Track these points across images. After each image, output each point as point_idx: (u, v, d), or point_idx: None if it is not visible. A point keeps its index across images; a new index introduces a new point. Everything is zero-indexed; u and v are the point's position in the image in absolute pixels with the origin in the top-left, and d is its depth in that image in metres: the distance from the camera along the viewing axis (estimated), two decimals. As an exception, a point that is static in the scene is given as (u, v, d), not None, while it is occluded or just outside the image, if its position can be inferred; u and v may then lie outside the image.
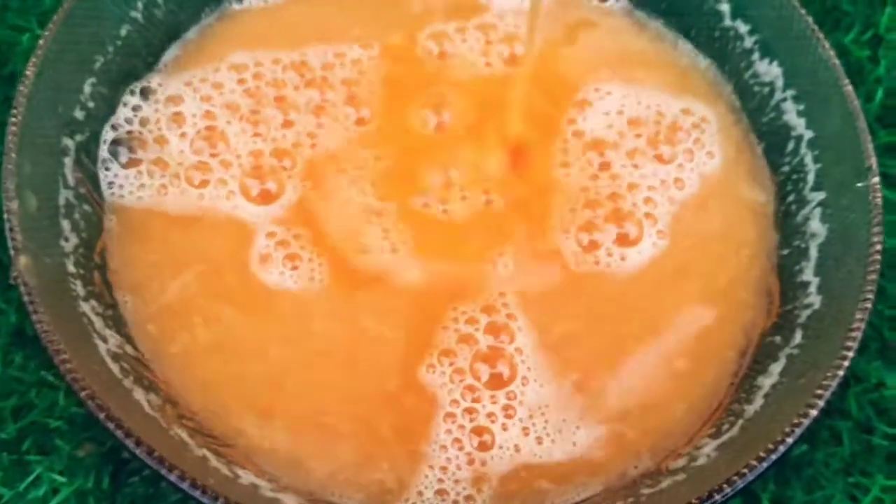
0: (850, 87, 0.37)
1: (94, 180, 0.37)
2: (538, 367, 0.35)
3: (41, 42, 0.35)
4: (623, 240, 0.38)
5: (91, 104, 0.38)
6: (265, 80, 0.41)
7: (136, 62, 0.40)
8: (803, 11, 0.39)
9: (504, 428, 0.34)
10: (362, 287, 0.36)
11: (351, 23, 0.43)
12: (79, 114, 0.37)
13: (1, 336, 0.38)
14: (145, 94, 0.40)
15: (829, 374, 0.31)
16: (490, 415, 0.34)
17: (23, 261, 0.30)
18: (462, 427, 0.34)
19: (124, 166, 0.38)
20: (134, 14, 0.39)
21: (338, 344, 0.35)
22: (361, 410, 0.34)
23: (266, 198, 0.38)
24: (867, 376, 0.39)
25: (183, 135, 0.39)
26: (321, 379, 0.35)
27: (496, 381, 0.35)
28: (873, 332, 0.40)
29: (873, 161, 0.36)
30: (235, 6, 0.43)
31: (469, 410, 0.35)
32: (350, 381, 0.35)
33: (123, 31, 0.39)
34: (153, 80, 0.40)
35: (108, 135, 0.38)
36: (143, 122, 0.39)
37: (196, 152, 0.39)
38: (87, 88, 0.37)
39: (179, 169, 0.38)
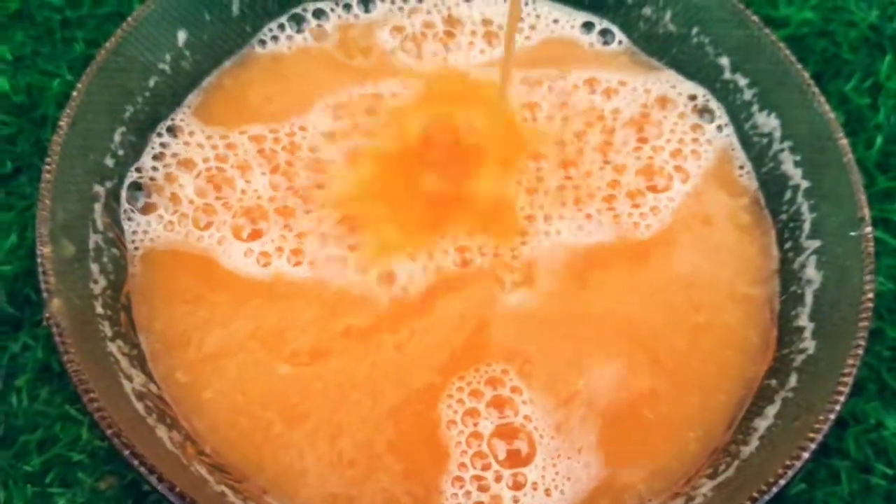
0: (844, 141, 0.38)
1: (121, 224, 0.39)
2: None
3: (74, 94, 0.37)
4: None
5: (121, 152, 0.39)
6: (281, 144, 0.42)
7: (162, 108, 0.42)
8: (800, 66, 0.40)
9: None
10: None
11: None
12: (109, 161, 0.39)
13: (28, 371, 0.39)
14: (167, 141, 0.41)
15: (821, 418, 0.32)
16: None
17: (55, 304, 0.32)
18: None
19: (142, 211, 0.39)
20: (162, 66, 0.41)
21: (360, 387, 0.36)
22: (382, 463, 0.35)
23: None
24: (865, 417, 0.40)
25: (198, 175, 0.40)
26: (343, 425, 0.36)
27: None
28: (871, 374, 0.41)
29: (866, 212, 0.37)
30: (258, 49, 0.45)
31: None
32: (371, 430, 0.36)
33: (152, 83, 0.41)
34: (175, 128, 0.42)
35: (130, 178, 0.40)
36: (163, 169, 0.40)
37: (202, 195, 0.40)
38: (117, 137, 0.39)
39: (191, 213, 0.39)
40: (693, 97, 0.44)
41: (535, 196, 0.41)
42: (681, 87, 0.45)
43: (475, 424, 0.36)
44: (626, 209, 0.41)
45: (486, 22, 0.46)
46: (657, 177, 0.42)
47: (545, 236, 0.40)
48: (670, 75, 0.45)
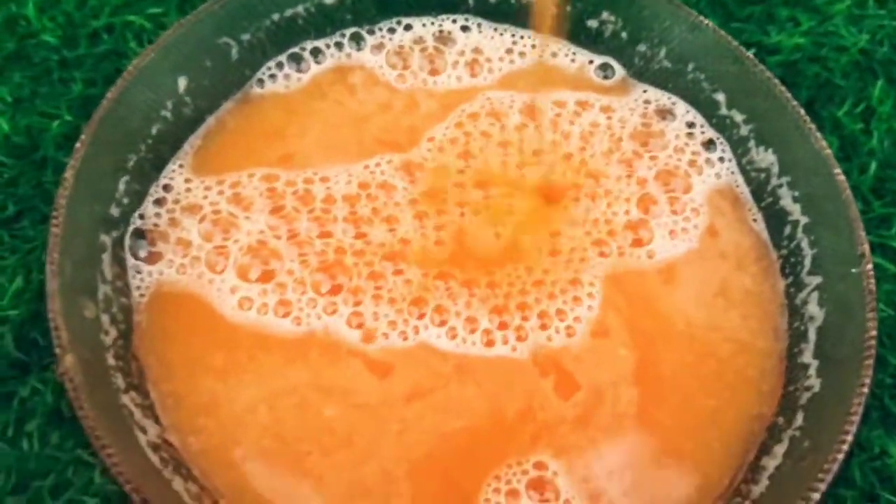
0: (842, 176, 0.39)
1: (127, 273, 0.39)
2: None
3: (78, 145, 0.37)
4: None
5: (125, 200, 0.39)
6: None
7: (164, 154, 0.42)
8: (795, 103, 0.41)
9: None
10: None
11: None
12: (114, 210, 0.39)
13: (38, 416, 0.39)
14: (168, 184, 0.41)
15: (829, 458, 0.32)
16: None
17: (68, 360, 0.32)
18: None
19: (146, 258, 0.39)
20: (164, 113, 0.41)
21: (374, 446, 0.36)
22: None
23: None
24: (870, 445, 0.40)
25: (202, 219, 0.40)
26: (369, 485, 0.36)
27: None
28: (874, 401, 0.41)
29: (866, 248, 0.37)
30: (257, 89, 0.45)
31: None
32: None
33: (154, 130, 0.41)
34: (174, 177, 0.42)
35: (133, 225, 0.40)
36: (167, 214, 0.41)
37: (207, 238, 0.40)
38: (121, 186, 0.39)
39: (199, 256, 0.39)
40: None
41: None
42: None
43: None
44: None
45: (477, 51, 0.47)
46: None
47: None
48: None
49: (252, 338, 0.38)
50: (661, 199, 0.43)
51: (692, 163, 0.44)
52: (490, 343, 0.39)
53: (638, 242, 0.41)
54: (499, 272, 0.40)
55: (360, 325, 0.39)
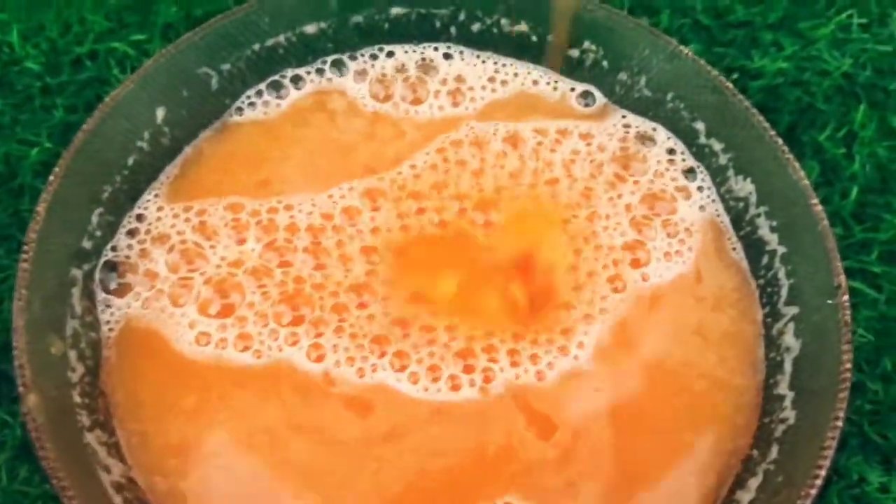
0: (819, 207, 0.38)
1: (96, 307, 0.38)
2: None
3: (52, 178, 0.37)
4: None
5: (98, 233, 0.39)
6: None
7: (139, 184, 0.42)
8: (773, 132, 0.40)
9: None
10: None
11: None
12: (86, 243, 0.39)
13: (6, 450, 0.39)
14: (141, 218, 0.41)
15: (802, 493, 0.32)
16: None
17: (32, 399, 0.32)
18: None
19: (116, 292, 0.39)
20: (140, 143, 0.41)
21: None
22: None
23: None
24: (848, 472, 0.40)
25: (170, 249, 0.40)
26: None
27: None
28: (854, 429, 0.41)
29: (842, 279, 0.37)
30: (235, 118, 0.45)
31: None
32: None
33: (130, 161, 0.41)
34: (148, 206, 0.41)
35: (105, 257, 0.39)
36: (138, 245, 0.40)
37: (174, 269, 0.39)
38: (94, 219, 0.39)
39: (166, 289, 0.39)
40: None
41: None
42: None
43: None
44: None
45: (460, 79, 0.47)
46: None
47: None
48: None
49: (214, 374, 0.37)
50: (654, 221, 0.42)
51: (678, 188, 0.44)
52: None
53: (636, 263, 0.41)
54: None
55: (320, 359, 0.38)
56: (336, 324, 0.39)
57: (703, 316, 0.40)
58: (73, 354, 0.36)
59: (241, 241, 0.41)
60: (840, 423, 0.34)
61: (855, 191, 0.47)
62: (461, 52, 0.47)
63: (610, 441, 0.37)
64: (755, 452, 0.37)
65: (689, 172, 0.44)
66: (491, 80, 0.47)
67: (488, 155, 0.44)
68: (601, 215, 0.42)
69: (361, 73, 0.46)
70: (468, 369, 0.38)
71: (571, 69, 0.46)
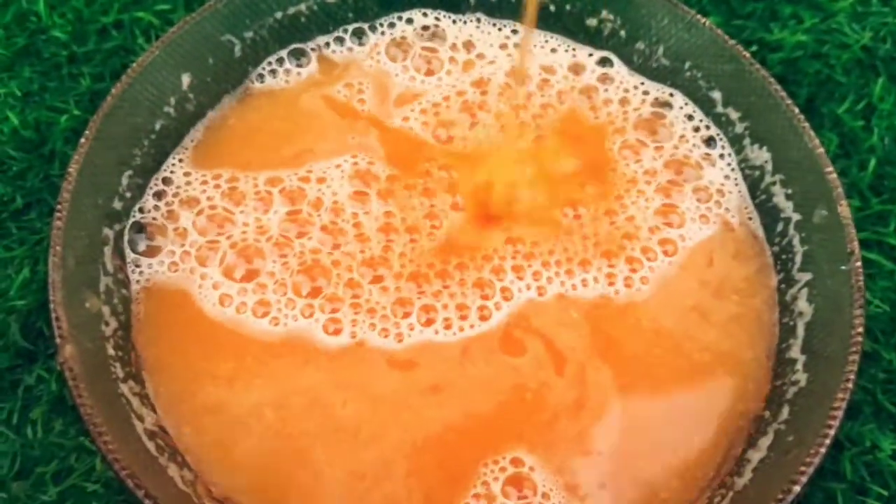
0: (834, 175, 0.39)
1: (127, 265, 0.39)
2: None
3: (83, 140, 0.38)
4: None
5: (128, 194, 0.40)
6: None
7: (166, 148, 0.43)
8: (789, 101, 0.41)
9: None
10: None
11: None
12: (117, 204, 0.40)
13: (42, 404, 0.40)
14: (169, 177, 0.42)
15: (811, 452, 0.33)
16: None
17: (68, 350, 0.33)
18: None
19: (144, 253, 0.40)
20: (167, 109, 0.42)
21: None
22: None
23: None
24: (861, 439, 0.41)
25: (199, 213, 0.41)
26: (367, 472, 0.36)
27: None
28: (867, 396, 0.42)
29: (856, 245, 0.37)
30: (257, 84, 0.45)
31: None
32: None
33: (157, 126, 0.42)
34: (175, 170, 0.42)
35: (133, 218, 0.40)
36: (165, 208, 0.41)
37: (202, 233, 0.40)
38: (124, 180, 0.40)
39: (193, 252, 0.40)
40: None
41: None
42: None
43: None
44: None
45: (472, 45, 0.47)
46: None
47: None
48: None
49: (244, 340, 0.38)
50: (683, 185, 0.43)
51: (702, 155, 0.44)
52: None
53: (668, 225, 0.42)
54: None
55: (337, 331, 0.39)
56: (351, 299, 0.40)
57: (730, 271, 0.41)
58: (106, 309, 0.37)
59: (266, 211, 0.41)
60: (850, 386, 0.34)
61: (873, 163, 0.47)
62: (478, 20, 0.48)
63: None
64: (767, 413, 0.37)
65: (710, 141, 0.44)
66: (503, 46, 0.47)
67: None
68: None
69: (381, 42, 0.47)
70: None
71: (589, 39, 0.47)
